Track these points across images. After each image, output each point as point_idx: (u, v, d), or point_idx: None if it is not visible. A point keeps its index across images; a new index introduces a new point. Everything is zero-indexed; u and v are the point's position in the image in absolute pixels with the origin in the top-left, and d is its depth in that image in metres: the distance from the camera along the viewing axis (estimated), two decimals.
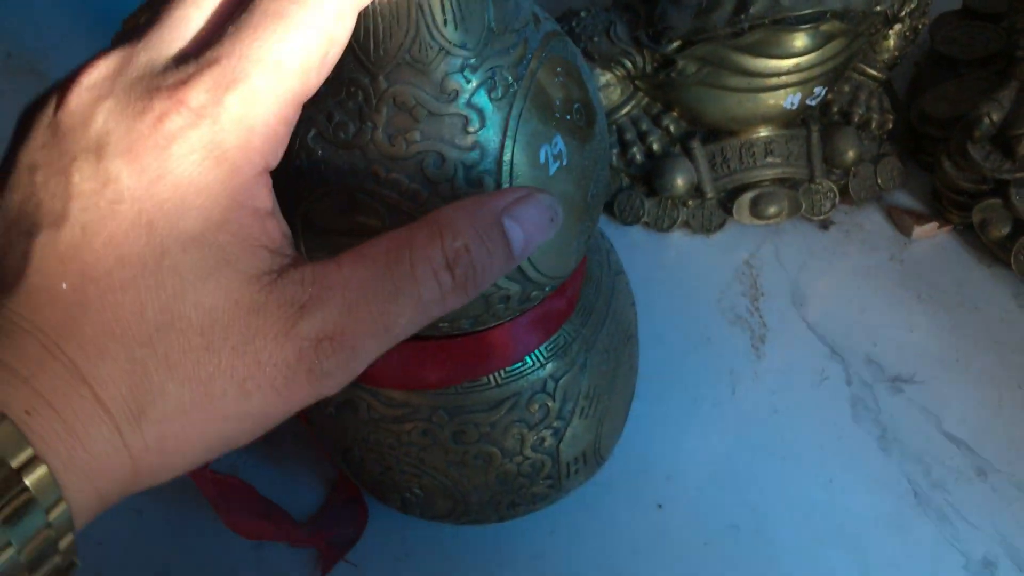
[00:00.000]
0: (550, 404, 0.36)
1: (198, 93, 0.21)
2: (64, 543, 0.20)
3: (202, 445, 0.22)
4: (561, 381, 0.36)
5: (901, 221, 0.54)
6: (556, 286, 0.33)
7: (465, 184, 0.28)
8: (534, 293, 0.32)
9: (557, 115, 0.29)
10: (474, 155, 0.28)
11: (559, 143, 0.29)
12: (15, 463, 0.19)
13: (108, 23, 0.69)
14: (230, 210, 0.21)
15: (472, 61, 0.27)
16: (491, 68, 0.28)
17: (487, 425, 0.36)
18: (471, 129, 0.28)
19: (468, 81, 0.28)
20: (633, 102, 0.54)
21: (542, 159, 0.29)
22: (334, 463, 0.44)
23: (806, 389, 0.49)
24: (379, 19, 0.26)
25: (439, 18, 0.26)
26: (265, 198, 0.22)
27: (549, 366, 0.36)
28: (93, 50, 0.66)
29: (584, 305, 0.37)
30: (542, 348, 0.36)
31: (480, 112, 0.28)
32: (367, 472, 0.39)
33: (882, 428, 0.47)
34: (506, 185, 0.28)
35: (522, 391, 0.36)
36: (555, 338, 0.36)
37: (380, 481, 0.39)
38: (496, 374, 0.35)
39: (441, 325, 0.32)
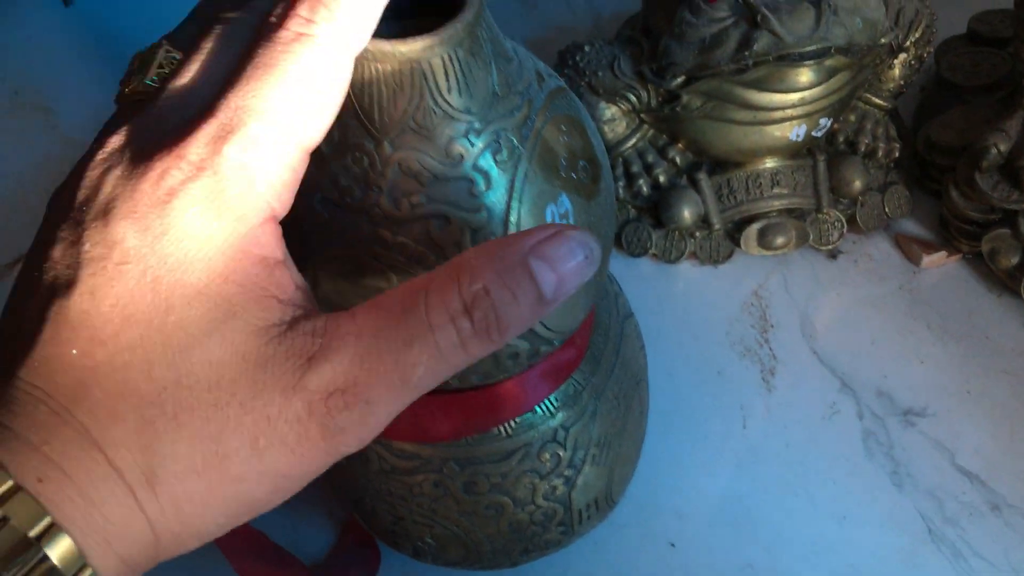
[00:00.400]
0: (561, 453, 0.36)
1: (197, 146, 0.21)
2: None
3: (221, 508, 0.21)
4: (572, 430, 0.36)
5: (910, 250, 0.54)
6: (565, 339, 0.33)
7: (472, 247, 0.28)
8: (543, 348, 0.32)
9: (563, 174, 0.29)
10: (480, 217, 0.28)
11: (565, 202, 0.29)
12: (33, 532, 0.19)
13: (116, 60, 0.69)
14: (235, 260, 0.21)
15: (476, 125, 0.28)
16: (496, 131, 0.28)
17: (498, 476, 0.36)
18: (477, 192, 0.28)
19: (473, 145, 0.28)
20: (639, 135, 0.54)
21: (548, 218, 0.29)
22: (343, 507, 0.44)
23: (817, 423, 0.49)
24: (383, 87, 0.26)
25: (443, 85, 0.26)
26: (273, 247, 0.22)
27: (559, 415, 0.36)
28: (101, 87, 0.67)
29: (593, 353, 0.37)
30: (552, 398, 0.36)
31: (485, 175, 0.28)
32: (379, 521, 0.39)
33: (895, 463, 0.47)
34: None
35: (533, 441, 0.36)
36: (565, 387, 0.36)
37: (392, 530, 0.39)
38: (507, 425, 0.35)
39: (450, 380, 0.32)
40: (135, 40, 0.67)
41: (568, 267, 0.22)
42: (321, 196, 0.28)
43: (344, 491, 0.39)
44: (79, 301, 0.20)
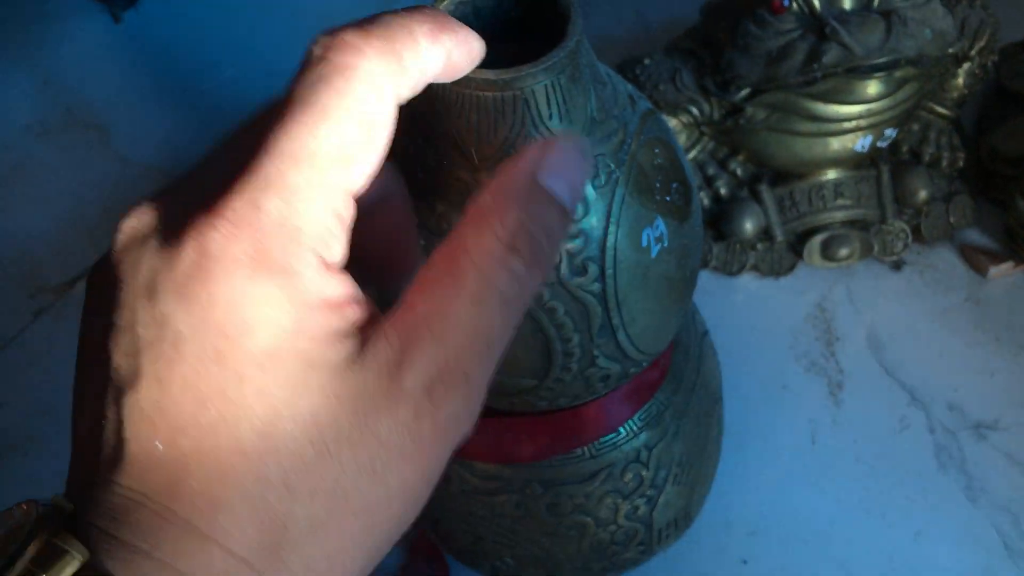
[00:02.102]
0: (644, 473, 0.36)
1: (234, 203, 0.19)
2: None
3: (357, 547, 0.20)
4: (655, 450, 0.36)
5: (976, 260, 0.53)
6: (652, 360, 0.33)
7: (569, 272, 0.28)
8: (632, 370, 0.32)
9: (657, 197, 0.29)
10: (578, 242, 0.28)
11: (660, 225, 0.29)
12: None
13: (167, 76, 0.70)
14: (299, 313, 0.20)
15: None
16: (594, 156, 0.28)
17: (581, 496, 0.36)
18: (575, 217, 0.28)
19: None
20: (699, 147, 0.54)
21: (644, 242, 0.29)
22: (414, 524, 0.44)
23: (888, 437, 0.48)
24: (484, 114, 0.26)
25: (544, 112, 0.26)
26: (334, 287, 0.20)
27: (643, 436, 0.36)
28: (152, 103, 0.66)
29: (674, 372, 0.37)
30: (635, 417, 0.35)
31: (584, 200, 0.28)
32: (457, 541, 0.39)
33: (968, 477, 0.46)
34: (610, 272, 0.28)
35: (616, 461, 0.36)
36: (648, 407, 0.36)
37: (471, 550, 0.39)
38: (590, 446, 0.35)
39: (539, 403, 0.32)
40: (185, 55, 0.67)
41: (573, 171, 0.22)
42: (419, 222, 0.28)
43: (422, 511, 0.39)
44: (147, 391, 0.19)
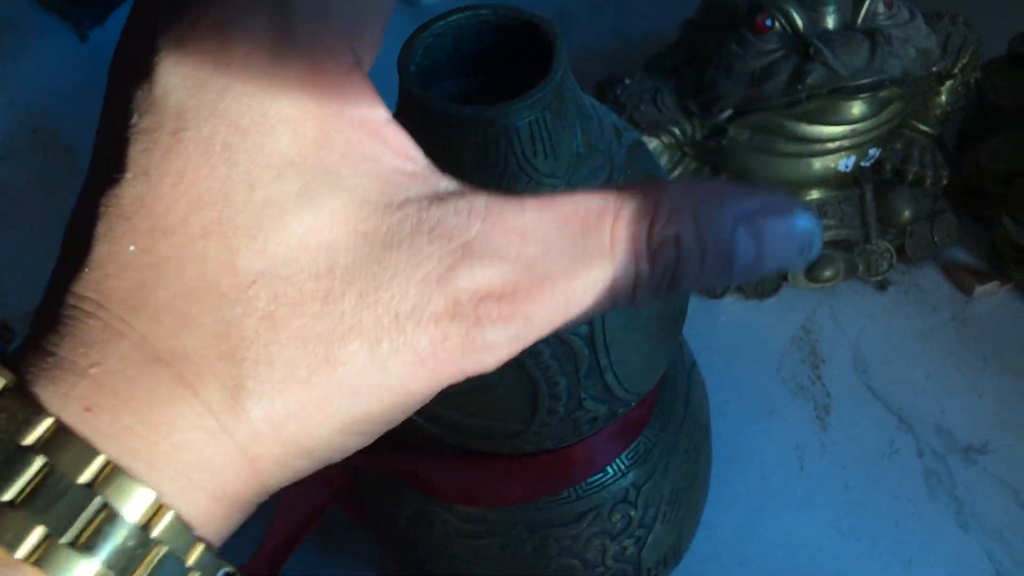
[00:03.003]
0: (632, 513, 0.35)
1: None
2: (192, 558, 0.16)
3: (332, 427, 0.17)
4: (643, 489, 0.35)
5: (961, 279, 0.53)
6: (640, 399, 0.32)
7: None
8: (620, 410, 0.31)
9: None
10: None
11: None
12: (83, 477, 0.15)
13: None
14: (327, 120, 0.16)
15: (561, 187, 0.26)
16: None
17: (568, 538, 0.35)
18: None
19: None
20: (681, 167, 0.53)
21: None
22: (398, 567, 0.42)
23: (877, 462, 0.47)
24: (468, 153, 0.25)
25: (529, 150, 0.25)
26: (371, 105, 0.17)
27: (631, 475, 0.35)
28: None
29: (662, 408, 0.36)
30: (623, 456, 0.34)
31: None
32: None
33: (959, 503, 0.46)
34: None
35: (604, 502, 0.34)
36: (635, 445, 0.35)
37: None
38: (577, 487, 0.34)
39: (525, 447, 0.31)
40: None
41: (775, 252, 0.18)
42: None
43: (404, 554, 0.38)
44: (132, 187, 0.16)
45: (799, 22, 0.46)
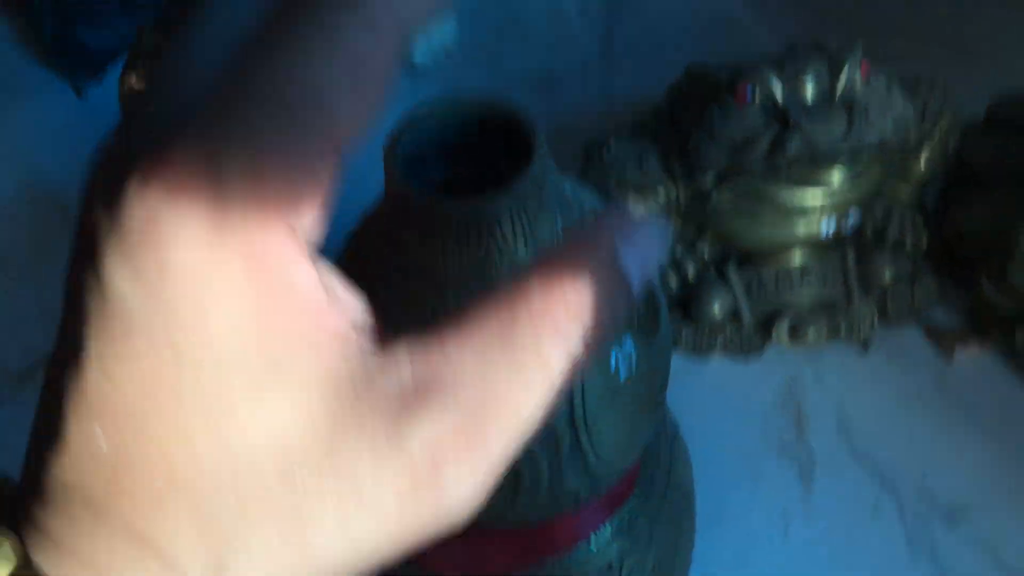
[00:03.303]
0: None
1: (188, 147, 0.16)
2: None
3: None
4: (627, 561, 0.35)
5: (941, 341, 0.53)
6: (623, 476, 0.32)
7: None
8: (603, 486, 0.31)
9: (624, 315, 0.29)
10: None
11: (628, 344, 0.29)
12: None
13: None
14: (262, 298, 0.16)
15: None
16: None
17: None
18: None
19: None
20: None
21: (613, 365, 0.28)
22: None
23: (860, 526, 0.48)
24: (449, 241, 0.26)
25: (509, 238, 0.26)
26: (308, 276, 0.17)
27: (615, 545, 0.35)
28: None
29: (645, 478, 0.36)
30: (608, 528, 0.35)
31: None
32: None
33: (940, 567, 0.46)
34: (578, 398, 0.28)
35: (588, 573, 0.35)
36: (619, 515, 0.35)
37: None
38: (561, 557, 0.34)
39: (507, 521, 0.31)
40: None
41: (649, 258, 0.19)
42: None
43: None
44: (90, 372, 0.16)
45: (778, 93, 0.47)
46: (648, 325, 0.30)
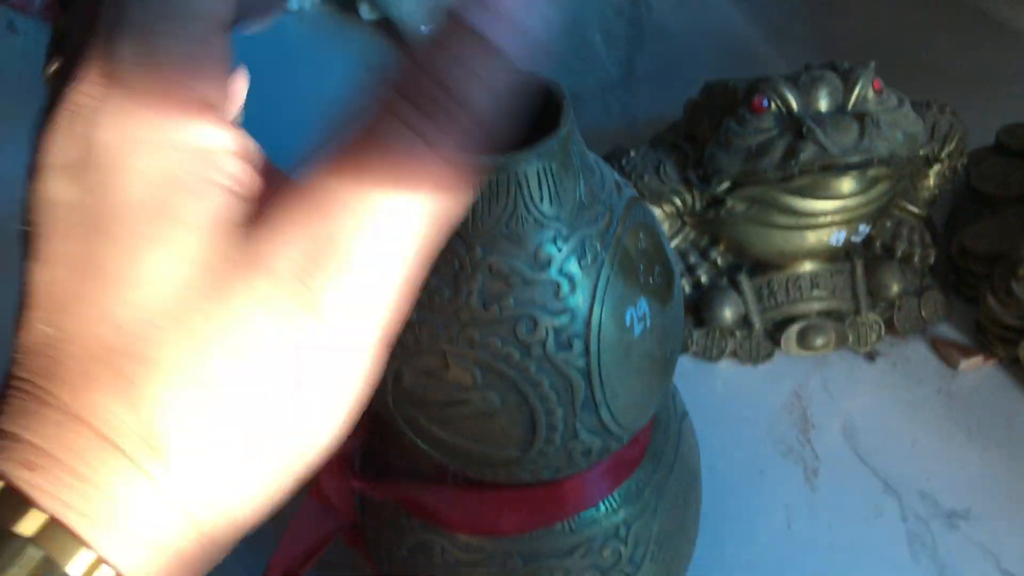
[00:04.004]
0: (622, 549, 0.37)
1: (92, 66, 0.19)
2: None
3: (249, 451, 0.18)
4: (633, 527, 0.37)
5: (947, 354, 0.55)
6: (633, 436, 0.34)
7: (555, 346, 0.29)
8: (613, 445, 0.33)
9: (641, 279, 0.31)
10: (564, 319, 0.29)
11: (643, 305, 0.31)
12: (25, 530, 0.17)
13: None
14: (161, 155, 0.18)
15: (564, 231, 0.29)
16: (581, 237, 0.29)
17: (561, 571, 0.36)
18: (562, 295, 0.29)
19: (560, 250, 0.29)
20: (681, 236, 0.56)
21: (627, 321, 0.30)
22: None
23: (862, 525, 0.49)
24: (479, 194, 0.28)
25: (536, 194, 0.28)
26: (209, 132, 0.19)
27: (622, 512, 0.37)
28: None
29: (654, 450, 0.38)
30: (615, 494, 0.36)
31: (571, 278, 0.29)
32: None
33: (940, 567, 0.47)
34: (594, 349, 0.30)
35: (595, 536, 0.36)
36: (627, 484, 0.37)
37: None
38: (570, 520, 0.36)
39: (522, 475, 0.33)
40: None
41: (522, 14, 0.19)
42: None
43: None
44: (38, 274, 0.18)
45: (794, 104, 0.49)
46: (661, 290, 0.32)
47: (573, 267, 0.29)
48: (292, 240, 0.18)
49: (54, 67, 0.23)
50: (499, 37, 0.18)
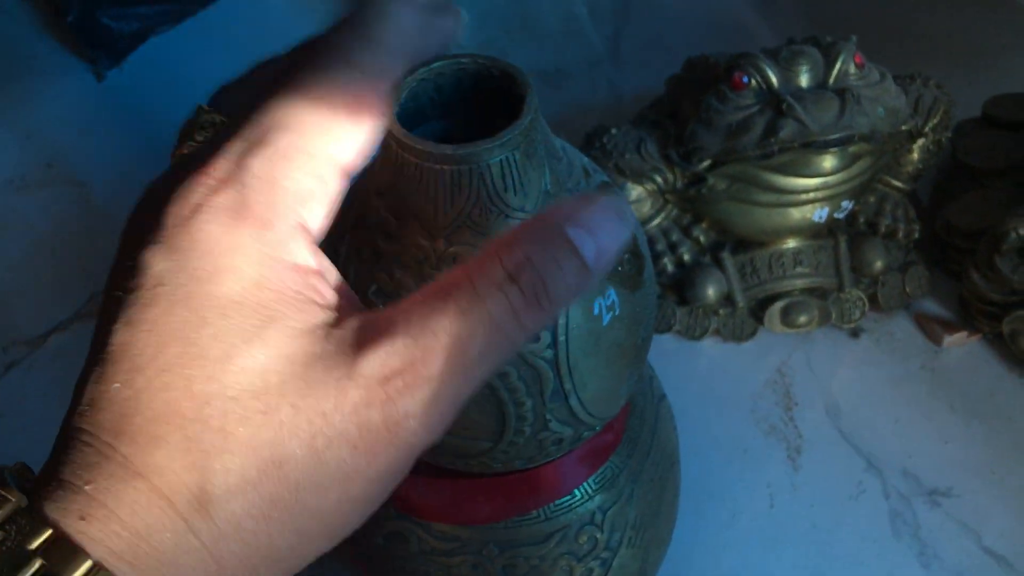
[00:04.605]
0: (598, 536, 0.37)
1: (222, 162, 0.21)
2: None
3: (286, 523, 0.20)
4: (609, 513, 0.37)
5: (931, 330, 0.55)
6: (605, 424, 0.34)
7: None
8: (585, 433, 0.33)
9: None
10: None
11: (611, 294, 0.30)
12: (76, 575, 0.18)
13: (148, 134, 0.71)
14: (265, 266, 0.21)
15: None
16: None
17: (536, 558, 0.36)
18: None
19: None
20: (663, 214, 0.56)
21: (596, 311, 0.30)
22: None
23: (844, 502, 0.49)
24: (442, 186, 0.27)
25: (500, 185, 0.28)
26: (306, 256, 0.22)
27: (597, 498, 0.36)
28: (133, 161, 0.68)
29: (630, 436, 0.38)
30: (590, 480, 0.36)
31: None
32: None
33: (922, 544, 0.47)
34: (562, 339, 0.29)
35: (571, 524, 0.36)
36: (603, 470, 0.37)
37: None
38: (545, 508, 0.36)
39: (495, 465, 0.33)
40: (167, 115, 0.69)
41: (605, 230, 0.22)
42: (376, 288, 0.29)
43: (381, 571, 0.39)
44: (119, 334, 0.20)
45: (774, 80, 0.49)
46: (631, 278, 0.31)
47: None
48: (387, 358, 0.20)
49: (183, 151, 0.25)
50: (584, 247, 0.21)
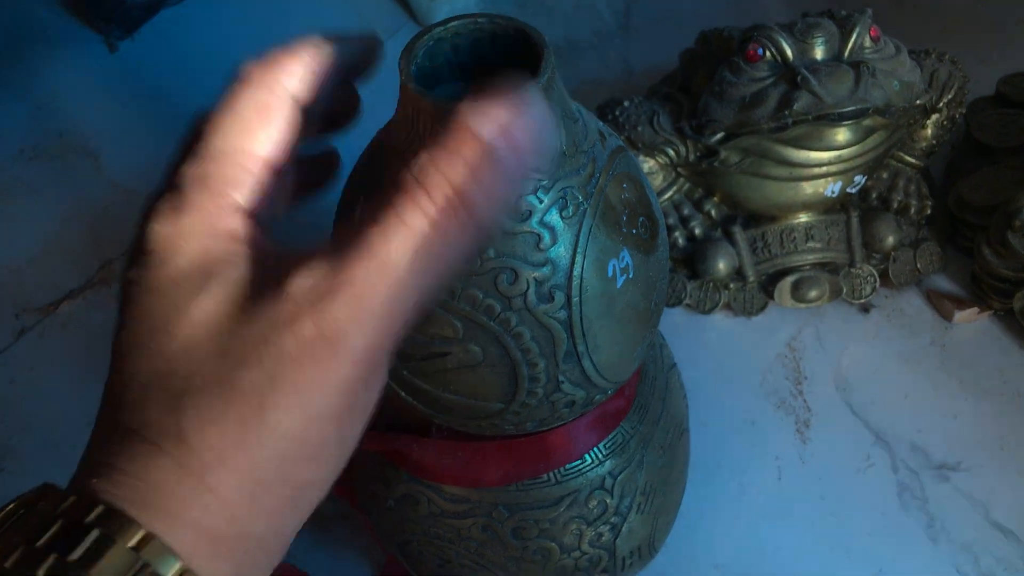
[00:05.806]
0: (608, 501, 0.37)
1: (166, 179, 0.24)
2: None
3: (268, 450, 0.21)
4: (619, 478, 0.37)
5: (941, 305, 0.55)
6: (617, 389, 0.34)
7: (536, 298, 0.29)
8: (597, 397, 0.33)
9: (624, 229, 0.31)
10: (545, 271, 0.29)
11: (626, 257, 0.30)
12: (91, 518, 0.20)
13: (160, 106, 0.71)
14: (207, 238, 0.23)
15: (545, 183, 0.29)
16: (562, 188, 0.29)
17: (546, 521, 0.36)
18: (543, 246, 0.29)
19: (540, 201, 0.29)
20: (675, 187, 0.56)
21: (610, 273, 0.30)
22: (384, 548, 0.44)
23: (852, 476, 0.49)
24: None
25: None
26: (242, 227, 0.24)
27: (607, 463, 0.37)
28: (145, 132, 0.68)
29: (640, 403, 0.38)
30: (601, 446, 0.36)
31: (552, 230, 0.29)
32: (425, 564, 0.39)
33: (930, 517, 0.47)
34: (576, 300, 0.29)
35: (581, 488, 0.36)
36: (613, 436, 0.37)
37: (438, 573, 0.39)
38: (556, 472, 0.36)
39: (506, 427, 0.33)
40: (179, 85, 0.69)
41: (507, 110, 0.22)
42: None
43: (390, 534, 0.40)
44: (125, 335, 0.23)
45: (789, 52, 0.49)
46: (645, 241, 0.31)
47: (554, 218, 0.29)
48: (310, 275, 0.22)
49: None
50: (482, 128, 0.21)
